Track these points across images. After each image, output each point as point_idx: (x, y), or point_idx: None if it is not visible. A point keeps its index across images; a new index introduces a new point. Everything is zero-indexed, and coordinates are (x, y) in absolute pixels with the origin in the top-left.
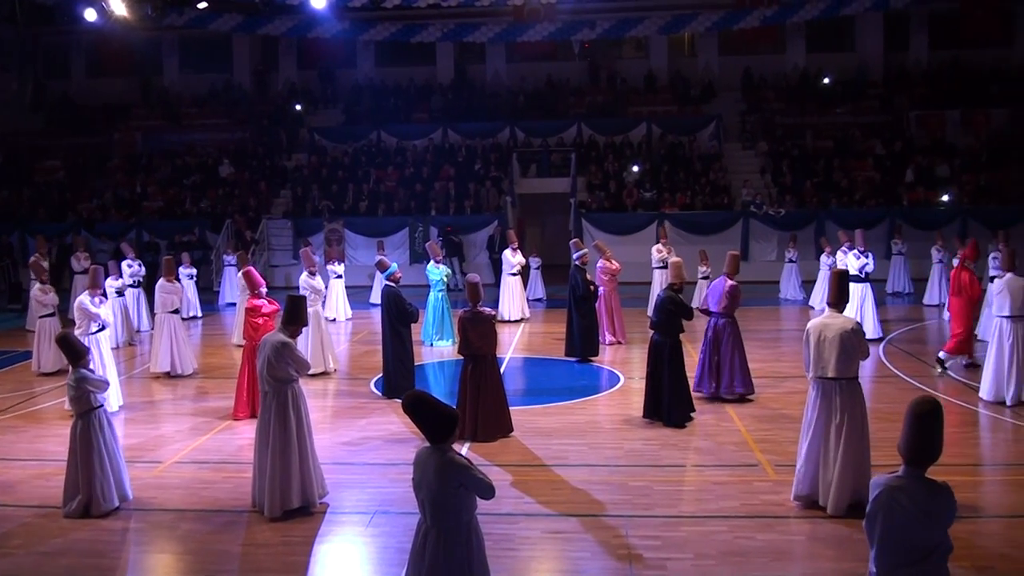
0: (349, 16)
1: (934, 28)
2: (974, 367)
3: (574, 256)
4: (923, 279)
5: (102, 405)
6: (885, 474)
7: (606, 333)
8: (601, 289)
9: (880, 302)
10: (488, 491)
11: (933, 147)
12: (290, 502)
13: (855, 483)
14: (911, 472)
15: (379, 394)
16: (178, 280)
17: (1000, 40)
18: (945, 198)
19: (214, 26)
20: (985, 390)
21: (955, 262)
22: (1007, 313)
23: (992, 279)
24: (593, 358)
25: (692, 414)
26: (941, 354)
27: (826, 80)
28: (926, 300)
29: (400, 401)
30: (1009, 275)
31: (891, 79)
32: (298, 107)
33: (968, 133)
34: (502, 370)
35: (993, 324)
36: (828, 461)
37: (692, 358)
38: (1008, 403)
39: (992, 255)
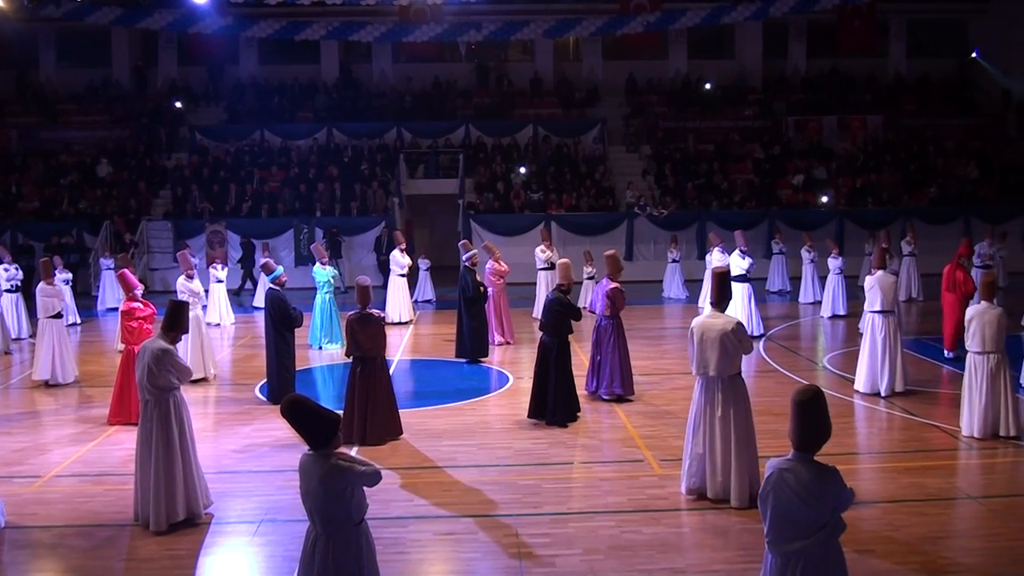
0: (231, 12)
1: (812, 37)
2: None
3: (463, 257)
4: (799, 277)
5: None
6: (778, 457)
7: (495, 334)
8: (490, 290)
9: (761, 300)
10: (373, 477)
11: (811, 151)
12: (176, 515)
13: (750, 473)
14: (799, 456)
15: (264, 400)
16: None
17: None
18: (824, 200)
19: (92, 19)
20: (860, 382)
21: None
22: (878, 308)
23: None
24: (482, 359)
25: (577, 414)
26: (949, 354)
27: (707, 86)
28: (801, 299)
29: None
30: (880, 272)
31: (770, 85)
32: (179, 104)
33: (844, 138)
34: (391, 372)
35: (866, 319)
36: (716, 455)
37: (579, 358)
38: (882, 394)
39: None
